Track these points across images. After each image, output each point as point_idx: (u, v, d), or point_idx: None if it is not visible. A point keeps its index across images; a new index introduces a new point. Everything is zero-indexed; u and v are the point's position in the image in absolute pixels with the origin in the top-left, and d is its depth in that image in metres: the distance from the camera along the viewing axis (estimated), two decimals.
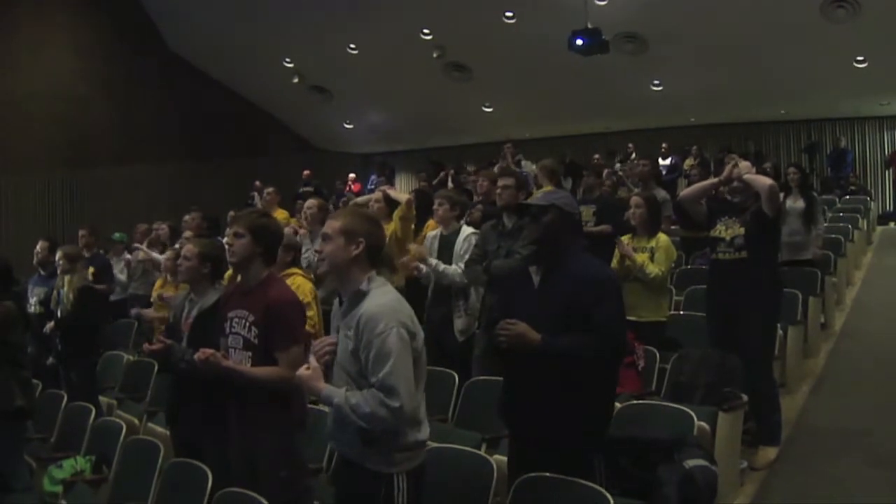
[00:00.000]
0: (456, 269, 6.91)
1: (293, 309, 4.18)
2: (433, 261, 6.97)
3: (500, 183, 6.84)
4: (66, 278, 8.44)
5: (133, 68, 22.71)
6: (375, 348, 3.54)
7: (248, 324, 4.42)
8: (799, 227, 9.69)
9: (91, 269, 10.05)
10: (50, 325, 8.48)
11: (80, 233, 11.30)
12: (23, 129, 20.22)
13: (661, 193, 9.67)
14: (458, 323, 6.91)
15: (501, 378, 5.41)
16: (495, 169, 12.29)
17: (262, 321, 4.36)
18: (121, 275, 11.43)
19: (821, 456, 6.42)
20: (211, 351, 4.26)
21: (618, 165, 17.25)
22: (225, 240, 5.05)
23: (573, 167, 18.30)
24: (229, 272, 5.92)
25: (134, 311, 10.00)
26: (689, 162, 18.08)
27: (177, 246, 9.22)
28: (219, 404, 4.69)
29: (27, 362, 7.07)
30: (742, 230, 6.33)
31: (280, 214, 11.03)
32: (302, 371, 3.65)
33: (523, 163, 13.47)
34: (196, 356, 4.32)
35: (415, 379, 3.64)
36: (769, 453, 6.32)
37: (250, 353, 4.41)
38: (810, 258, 9.79)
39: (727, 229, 6.44)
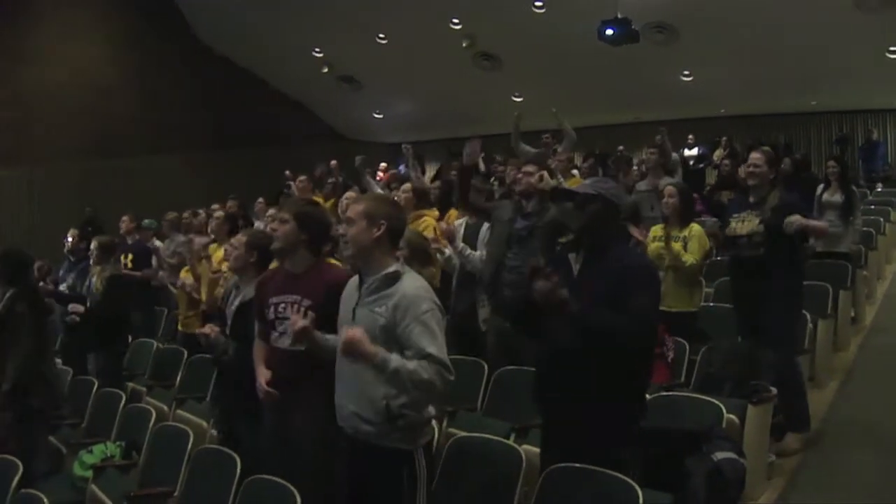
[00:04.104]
0: (480, 254, 6.91)
1: None
2: (460, 244, 6.98)
3: (524, 169, 6.83)
4: (97, 269, 8.52)
5: (162, 58, 22.89)
6: (423, 325, 3.66)
7: (302, 309, 4.37)
8: (836, 219, 9.64)
9: (130, 256, 10.16)
10: (74, 315, 8.53)
11: (122, 219, 11.44)
12: (52, 119, 20.45)
13: (672, 181, 9.62)
14: (483, 312, 6.87)
15: (521, 366, 5.44)
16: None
17: (322, 305, 4.29)
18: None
19: (850, 450, 6.39)
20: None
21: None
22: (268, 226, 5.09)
23: (602, 158, 18.21)
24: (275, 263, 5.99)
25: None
26: (718, 153, 17.96)
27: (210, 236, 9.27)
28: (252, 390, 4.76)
29: (52, 356, 7.19)
30: (761, 227, 6.28)
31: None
32: (356, 332, 3.65)
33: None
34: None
35: None
36: (796, 440, 6.31)
37: None
38: (845, 251, 9.73)
39: (743, 223, 6.39)
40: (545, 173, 6.44)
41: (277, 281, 4.74)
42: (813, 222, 6.37)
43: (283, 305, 4.59)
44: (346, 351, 3.67)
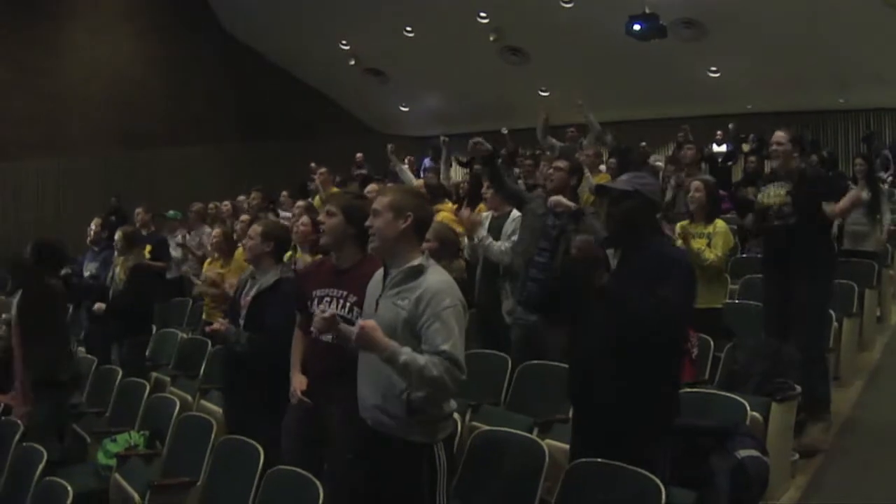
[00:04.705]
0: (500, 245, 6.88)
1: None
2: (482, 232, 6.97)
3: (554, 164, 6.81)
4: (121, 259, 8.56)
5: (190, 50, 23.01)
6: (441, 321, 3.61)
7: (348, 304, 4.44)
8: (861, 216, 9.60)
9: (148, 247, 10.21)
10: (98, 305, 8.58)
11: (137, 211, 11.49)
12: (81, 110, 20.62)
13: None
14: (506, 304, 6.87)
15: (551, 361, 5.41)
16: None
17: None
18: (175, 252, 11.52)
19: (874, 450, 6.34)
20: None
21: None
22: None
23: (623, 152, 18.07)
24: (289, 253, 6.00)
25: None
26: (745, 147, 17.84)
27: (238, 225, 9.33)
28: (270, 381, 4.86)
29: (69, 338, 7.30)
30: (788, 198, 6.26)
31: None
32: (371, 322, 3.63)
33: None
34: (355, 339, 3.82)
35: None
36: (819, 431, 6.28)
37: None
38: (871, 250, 9.67)
39: (770, 196, 6.40)
40: (562, 198, 6.38)
41: (322, 274, 4.74)
42: (846, 201, 6.34)
43: (327, 299, 4.58)
44: (358, 341, 3.64)
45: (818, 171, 6.42)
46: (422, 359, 3.55)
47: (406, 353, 3.55)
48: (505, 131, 16.34)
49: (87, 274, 9.48)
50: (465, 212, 7.31)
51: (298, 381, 4.68)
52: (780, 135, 6.51)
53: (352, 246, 4.60)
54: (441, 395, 3.71)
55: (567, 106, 12.49)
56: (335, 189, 10.73)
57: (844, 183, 6.93)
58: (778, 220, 6.31)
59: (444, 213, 8.17)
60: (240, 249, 8.64)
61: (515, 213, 7.10)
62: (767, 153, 7.41)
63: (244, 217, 9.58)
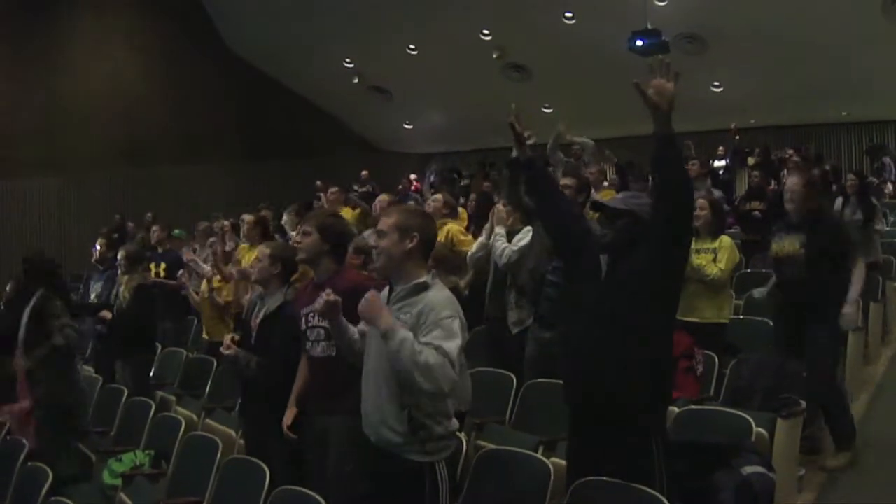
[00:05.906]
0: (505, 246, 6.89)
1: (368, 291, 4.23)
2: (501, 230, 6.99)
3: (562, 182, 6.83)
4: (125, 278, 8.58)
5: (193, 68, 23.09)
6: (442, 328, 3.63)
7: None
8: (857, 234, 9.59)
9: (163, 265, 10.25)
10: (100, 326, 8.60)
11: (153, 229, 11.54)
12: (85, 129, 20.69)
13: (718, 193, 9.68)
14: (512, 315, 6.88)
15: (556, 380, 5.43)
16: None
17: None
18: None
19: (880, 465, 6.33)
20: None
21: None
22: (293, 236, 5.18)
23: (623, 168, 18.05)
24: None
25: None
26: (750, 160, 17.85)
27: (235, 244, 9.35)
28: (284, 403, 4.97)
29: (74, 359, 7.36)
30: (802, 250, 6.26)
31: (346, 213, 10.79)
32: (374, 293, 3.70)
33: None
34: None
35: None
36: (842, 458, 6.28)
37: (333, 343, 4.57)
38: (871, 261, 9.66)
39: (784, 246, 6.39)
40: None
41: (307, 293, 4.89)
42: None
43: (311, 314, 4.74)
44: (362, 310, 3.69)
45: (833, 222, 6.38)
46: (419, 344, 3.56)
47: (406, 332, 3.58)
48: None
49: (93, 294, 9.48)
50: (500, 207, 7.32)
51: (288, 414, 4.88)
52: (794, 181, 6.51)
53: (327, 261, 4.82)
54: (431, 384, 3.57)
55: (568, 123, 12.47)
56: (347, 209, 10.74)
57: (850, 244, 6.85)
58: (792, 271, 6.31)
59: (450, 226, 8.19)
60: (244, 247, 8.75)
61: (529, 228, 7.13)
62: (772, 166, 7.42)
63: (249, 218, 9.39)
